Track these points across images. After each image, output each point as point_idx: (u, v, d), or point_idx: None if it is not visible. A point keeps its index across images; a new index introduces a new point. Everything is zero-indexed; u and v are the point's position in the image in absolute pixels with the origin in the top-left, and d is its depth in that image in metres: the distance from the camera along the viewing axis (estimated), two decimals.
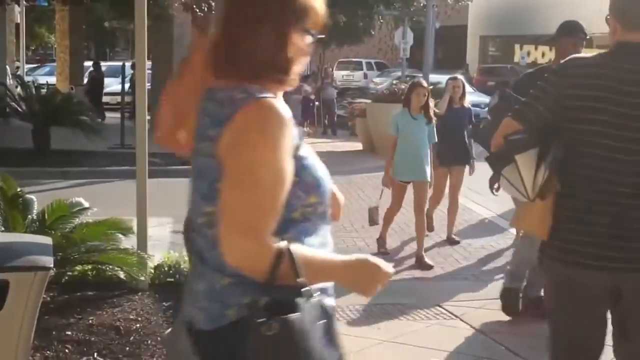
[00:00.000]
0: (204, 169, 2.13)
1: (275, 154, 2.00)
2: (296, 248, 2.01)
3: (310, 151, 2.18)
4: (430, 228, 8.81)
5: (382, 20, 27.69)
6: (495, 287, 6.74)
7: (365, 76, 38.30)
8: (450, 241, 8.66)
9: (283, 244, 1.98)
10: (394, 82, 21.50)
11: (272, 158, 2.00)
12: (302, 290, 1.99)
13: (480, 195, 10.34)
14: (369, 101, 19.23)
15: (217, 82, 2.18)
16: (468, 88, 10.33)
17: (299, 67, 2.20)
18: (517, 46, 41.09)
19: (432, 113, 7.87)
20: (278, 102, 2.07)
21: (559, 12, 37.56)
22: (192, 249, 2.26)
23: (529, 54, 39.81)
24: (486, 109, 8.92)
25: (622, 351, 3.30)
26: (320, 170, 2.20)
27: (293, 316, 1.95)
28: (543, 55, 38.69)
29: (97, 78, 25.20)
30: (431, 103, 8.06)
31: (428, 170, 7.77)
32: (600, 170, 3.06)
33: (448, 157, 8.51)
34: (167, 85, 2.99)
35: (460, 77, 9.40)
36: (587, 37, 5.95)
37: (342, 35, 25.32)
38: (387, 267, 2.21)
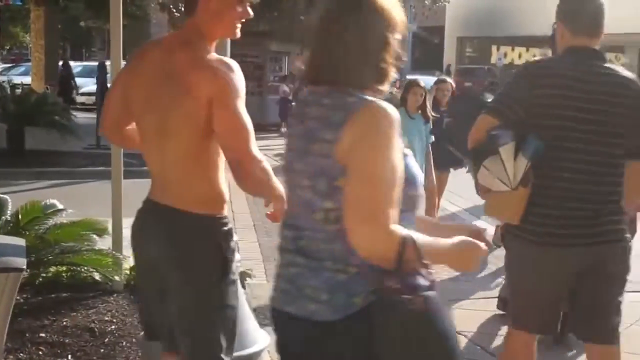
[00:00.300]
0: (321, 168, 2.28)
1: (391, 152, 2.19)
2: (416, 235, 2.20)
3: (406, 149, 2.38)
4: None
5: None
6: (471, 287, 6.77)
7: None
8: None
9: (404, 231, 2.15)
10: None
11: (389, 155, 2.18)
12: (426, 272, 2.23)
13: (459, 197, 10.37)
14: None
15: (316, 88, 2.41)
16: None
17: (394, 74, 2.36)
18: (494, 47, 41.39)
19: (429, 113, 7.63)
20: (386, 103, 2.25)
21: (534, 14, 37.88)
22: (290, 248, 2.37)
23: (505, 55, 40.12)
24: None
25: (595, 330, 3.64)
26: (415, 166, 2.48)
27: (432, 293, 2.20)
28: (520, 56, 38.99)
29: (66, 77, 25.00)
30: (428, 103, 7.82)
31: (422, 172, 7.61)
32: (572, 161, 3.41)
33: (435, 160, 7.99)
34: (118, 75, 2.97)
35: (449, 80, 8.80)
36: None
37: None
38: (482, 243, 2.40)
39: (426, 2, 27.49)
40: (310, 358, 2.34)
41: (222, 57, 2.91)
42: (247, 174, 2.77)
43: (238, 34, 2.99)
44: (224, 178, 2.95)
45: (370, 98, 2.26)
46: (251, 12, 2.95)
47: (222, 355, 2.94)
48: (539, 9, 37.23)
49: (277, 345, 2.49)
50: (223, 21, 2.92)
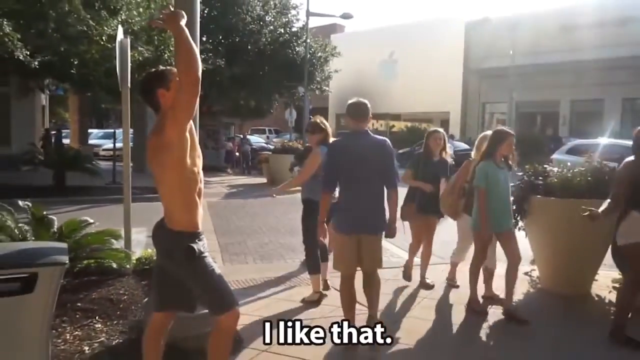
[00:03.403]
0: None
1: None
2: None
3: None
4: (409, 278, 5.89)
5: (277, 103, 27.88)
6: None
7: (268, 137, 38.41)
8: (424, 285, 5.78)
9: None
10: (285, 141, 21.69)
11: None
12: None
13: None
14: (270, 153, 19.31)
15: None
16: None
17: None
18: None
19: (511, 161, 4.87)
20: None
21: (387, 98, 38.75)
22: None
23: (373, 125, 40.89)
24: None
25: None
26: None
27: None
28: (380, 126, 39.74)
29: (58, 139, 23.39)
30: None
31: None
32: None
33: (426, 206, 5.61)
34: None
35: (441, 130, 5.83)
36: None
37: (252, 112, 25.40)
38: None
39: (317, 92, 27.84)
40: None
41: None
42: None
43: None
44: (196, 208, 2.77)
45: None
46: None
47: (221, 298, 2.78)
48: (383, 97, 38.28)
49: None
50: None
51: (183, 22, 2.54)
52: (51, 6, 8.90)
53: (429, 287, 5.74)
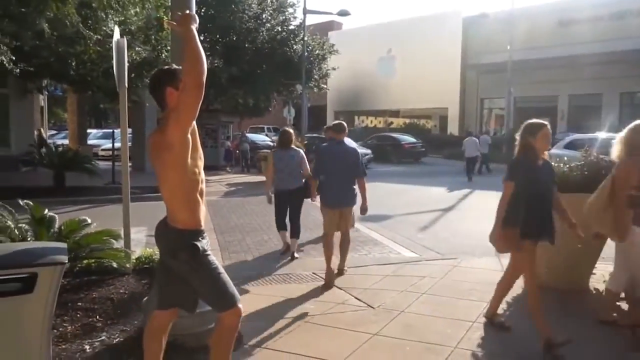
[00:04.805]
0: None
1: None
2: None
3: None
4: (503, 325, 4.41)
5: (275, 102, 27.84)
6: None
7: (267, 136, 38.43)
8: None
9: None
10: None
11: None
12: None
13: None
14: (269, 150, 19.31)
15: None
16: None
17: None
18: (356, 117, 42.20)
19: None
20: None
21: (379, 96, 38.80)
22: None
23: (362, 121, 41.00)
24: None
25: None
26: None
27: None
28: (371, 122, 39.85)
29: (44, 140, 23.52)
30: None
31: None
32: None
33: (540, 228, 3.85)
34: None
35: (547, 123, 3.96)
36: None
37: (252, 111, 25.36)
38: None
39: (315, 90, 27.81)
40: None
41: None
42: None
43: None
44: (198, 206, 2.77)
45: None
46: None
47: (225, 296, 2.75)
48: (381, 94, 38.26)
49: None
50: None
51: (194, 26, 2.57)
52: (38, 10, 8.81)
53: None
